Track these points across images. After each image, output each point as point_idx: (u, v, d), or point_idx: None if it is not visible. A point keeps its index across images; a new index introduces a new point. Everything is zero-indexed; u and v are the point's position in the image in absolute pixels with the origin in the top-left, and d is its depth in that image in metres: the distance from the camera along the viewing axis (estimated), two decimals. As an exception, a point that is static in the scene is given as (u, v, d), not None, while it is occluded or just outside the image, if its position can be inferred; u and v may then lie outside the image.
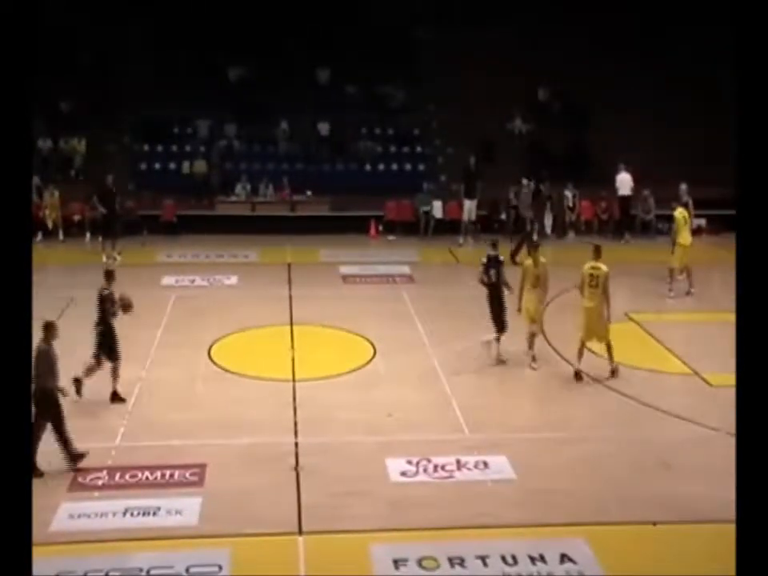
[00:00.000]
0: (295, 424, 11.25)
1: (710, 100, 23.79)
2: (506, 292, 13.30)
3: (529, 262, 13.20)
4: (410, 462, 10.21)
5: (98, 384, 11.67)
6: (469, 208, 21.33)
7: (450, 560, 8.36)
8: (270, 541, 8.67)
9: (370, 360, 13.58)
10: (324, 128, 24.94)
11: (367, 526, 8.92)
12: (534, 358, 13.12)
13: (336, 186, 23.17)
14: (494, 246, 13.56)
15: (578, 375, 12.64)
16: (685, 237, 16.89)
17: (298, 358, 13.52)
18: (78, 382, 11.59)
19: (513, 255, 17.75)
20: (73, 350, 11.32)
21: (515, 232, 20.19)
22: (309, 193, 23.53)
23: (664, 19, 24.84)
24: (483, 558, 8.39)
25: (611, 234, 22.14)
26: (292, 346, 14.07)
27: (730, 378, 12.32)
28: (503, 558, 8.37)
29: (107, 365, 11.76)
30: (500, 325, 13.24)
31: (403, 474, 10.03)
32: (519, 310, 13.11)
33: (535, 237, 18.51)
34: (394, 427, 11.20)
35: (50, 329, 9.90)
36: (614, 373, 12.72)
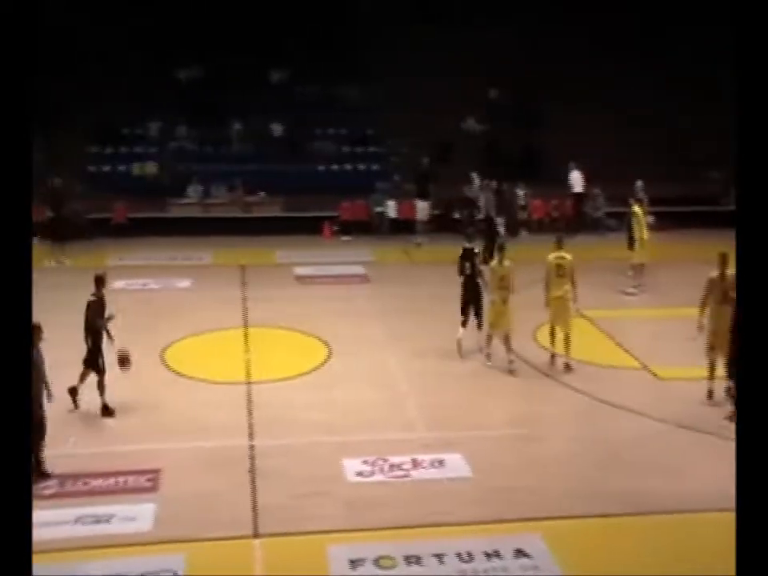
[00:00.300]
0: (250, 426, 11.20)
1: (655, 102, 24.30)
2: (480, 283, 13.65)
3: (494, 262, 13.24)
4: (366, 462, 10.23)
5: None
6: (422, 208, 21.40)
7: (407, 559, 8.39)
8: (226, 545, 8.61)
9: (326, 360, 13.57)
10: (277, 128, 24.85)
11: (324, 527, 8.91)
12: (488, 356, 13.23)
13: (290, 186, 23.09)
14: (469, 238, 14.13)
15: (553, 357, 13.24)
16: (645, 233, 17.12)
17: (253, 360, 13.46)
18: (73, 391, 11.38)
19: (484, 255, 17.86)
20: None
21: (480, 231, 20.12)
22: (262, 194, 23.42)
23: (623, 19, 25.27)
24: (439, 556, 8.44)
25: (563, 232, 22.35)
26: (247, 349, 14.00)
27: (678, 371, 12.77)
28: (459, 556, 8.44)
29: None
30: (478, 313, 13.64)
31: (359, 474, 10.04)
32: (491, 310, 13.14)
33: (501, 237, 18.67)
34: (351, 427, 11.21)
35: (35, 331, 9.47)
36: (567, 366, 12.90)
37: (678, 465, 10.33)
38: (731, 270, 11.52)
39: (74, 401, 11.44)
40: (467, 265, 13.70)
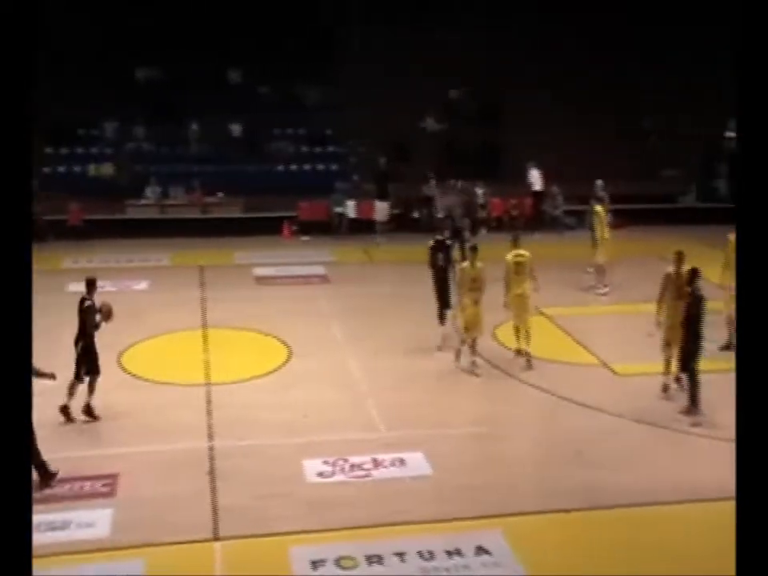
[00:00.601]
0: (210, 428, 11.10)
1: (616, 100, 24.59)
2: (451, 275, 13.84)
3: (465, 264, 13.06)
4: (326, 463, 10.20)
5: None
6: (381, 209, 21.37)
7: (368, 558, 8.38)
8: (186, 549, 8.52)
9: (286, 361, 13.50)
10: (236, 128, 24.68)
11: (285, 528, 8.87)
12: (458, 356, 13.05)
13: (249, 186, 22.94)
14: (442, 231, 14.46)
15: (519, 353, 13.31)
16: (606, 232, 17.23)
17: (212, 361, 13.34)
18: (65, 410, 11.13)
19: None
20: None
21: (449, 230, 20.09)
22: (221, 194, 23.24)
23: (574, 20, 25.50)
24: (401, 555, 8.44)
25: (519, 230, 22.51)
26: (206, 350, 13.88)
27: (636, 367, 12.93)
28: (420, 554, 8.45)
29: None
30: (445, 302, 13.77)
31: (320, 474, 10.01)
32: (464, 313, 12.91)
33: (467, 237, 18.81)
34: (311, 428, 11.16)
35: None
36: (528, 362, 12.97)
37: (635, 459, 10.46)
38: (686, 267, 11.73)
39: (68, 418, 11.19)
40: (440, 256, 13.90)
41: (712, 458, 10.63)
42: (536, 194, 22.92)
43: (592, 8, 25.40)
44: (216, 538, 8.67)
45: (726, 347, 13.03)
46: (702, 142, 24.06)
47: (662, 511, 9.33)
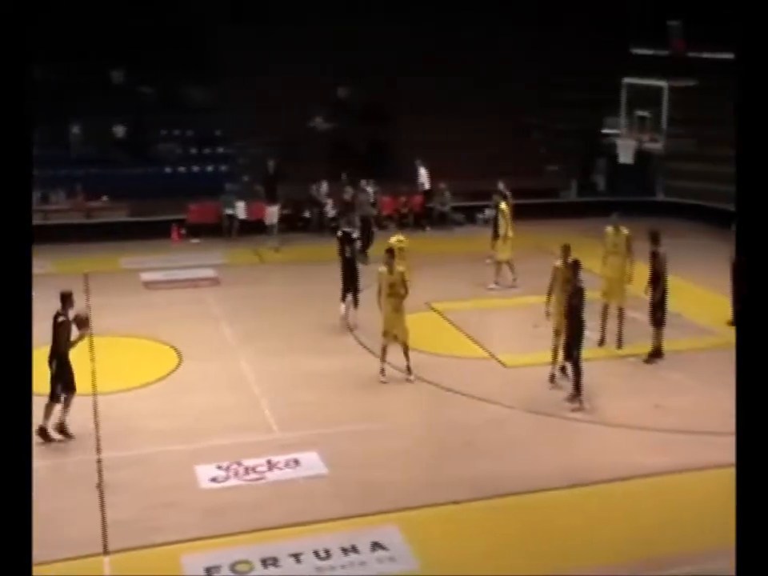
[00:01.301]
0: (98, 439, 10.80)
1: (500, 99, 25.17)
2: (359, 265, 14.92)
3: (383, 269, 12.70)
4: (220, 467, 10.10)
5: None
6: (271, 213, 20.83)
7: (264, 561, 8.36)
8: (75, 565, 8.29)
9: (177, 366, 13.26)
10: (120, 130, 23.97)
11: (178, 537, 8.72)
12: (383, 371, 12.68)
13: (135, 190, 22.32)
14: (349, 223, 15.66)
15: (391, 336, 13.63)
16: (510, 230, 17.50)
17: (99, 370, 12.94)
18: (43, 432, 10.57)
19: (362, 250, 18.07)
20: None
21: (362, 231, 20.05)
22: (105, 198, 22.56)
23: (462, 19, 25.96)
24: (296, 556, 8.45)
25: (411, 227, 22.80)
26: (92, 358, 13.45)
27: (523, 358, 13.29)
28: (316, 553, 8.48)
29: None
30: (348, 287, 14.54)
31: (214, 479, 9.90)
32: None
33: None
34: (204, 433, 11.01)
35: None
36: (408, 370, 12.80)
37: (523, 447, 10.77)
38: (571, 259, 12.15)
39: (47, 438, 10.67)
40: (347, 248, 14.86)
41: (595, 442, 11.07)
42: (425, 192, 23.21)
43: (476, 6, 25.96)
44: (106, 552, 8.45)
45: (599, 343, 13.54)
46: (581, 139, 24.86)
47: (550, 496, 9.63)
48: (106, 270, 18.91)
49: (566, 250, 12.52)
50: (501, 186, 18.35)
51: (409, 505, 9.38)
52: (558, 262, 12.50)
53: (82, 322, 10.83)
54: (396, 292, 12.50)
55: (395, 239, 14.76)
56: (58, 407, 10.81)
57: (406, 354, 12.61)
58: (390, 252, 12.94)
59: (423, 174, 23.01)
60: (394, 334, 12.56)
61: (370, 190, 22.26)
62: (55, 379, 10.73)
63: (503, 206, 17.61)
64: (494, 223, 17.93)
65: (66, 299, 10.85)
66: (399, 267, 12.77)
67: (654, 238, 13.37)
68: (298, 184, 22.07)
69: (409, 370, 12.60)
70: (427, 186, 23.08)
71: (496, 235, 17.65)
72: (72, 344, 10.81)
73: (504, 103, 25.33)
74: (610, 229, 14.33)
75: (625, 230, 14.11)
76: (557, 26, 26.05)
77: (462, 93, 24.67)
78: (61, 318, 10.69)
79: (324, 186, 22.45)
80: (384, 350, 12.65)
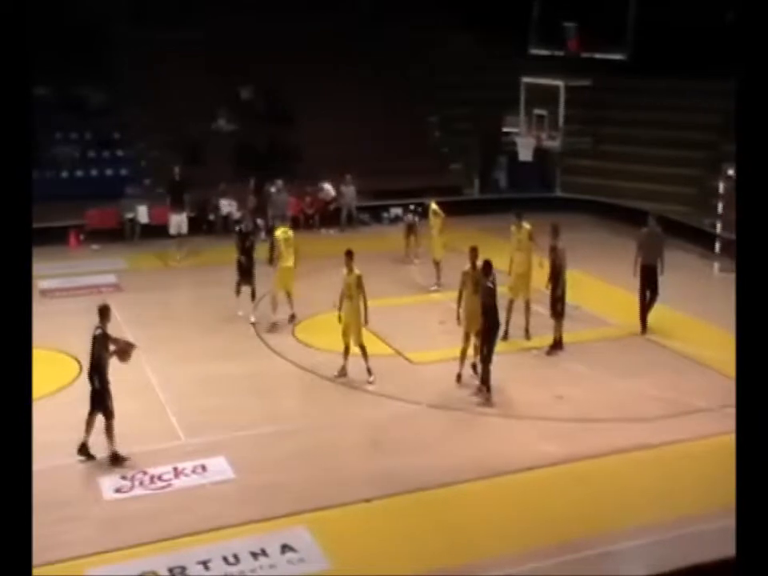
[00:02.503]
0: (-6, 455, 10.39)
1: (402, 99, 25.39)
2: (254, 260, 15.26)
3: (343, 270, 12.67)
4: (124, 478, 9.90)
5: None
6: (177, 223, 19.98)
7: (171, 570, 8.24)
8: (-30, 585, 7.95)
9: (77, 377, 12.83)
10: (12, 133, 23.10)
11: (81, 551, 8.51)
12: (343, 369, 12.69)
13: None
14: (243, 218, 16.66)
15: (291, 318, 14.93)
16: (439, 230, 17.54)
17: (-6, 383, 12.46)
18: (84, 448, 10.21)
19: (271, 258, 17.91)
20: None
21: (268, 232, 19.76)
22: (-2, 204, 21.70)
23: (364, 21, 26.07)
24: (205, 563, 8.37)
25: (317, 227, 22.77)
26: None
27: (429, 355, 13.45)
28: (225, 559, 8.40)
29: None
30: (243, 280, 15.13)
31: (118, 490, 9.70)
32: (340, 320, 12.60)
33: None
34: (106, 444, 10.71)
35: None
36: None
37: (431, 443, 10.90)
38: (480, 262, 12.25)
39: (88, 456, 10.29)
40: (246, 243, 15.28)
41: (501, 434, 11.30)
42: (332, 199, 23.21)
43: (376, 5, 26.12)
44: (4, 571, 8.15)
45: (503, 337, 13.81)
46: (483, 138, 25.29)
47: (459, 489, 9.78)
48: None
49: (474, 252, 12.45)
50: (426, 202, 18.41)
51: (318, 505, 9.38)
52: (466, 267, 12.48)
53: (124, 354, 10.53)
54: (351, 294, 12.47)
55: (280, 231, 15.13)
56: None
57: (363, 355, 12.55)
58: (349, 254, 12.67)
59: (328, 188, 22.99)
60: (346, 336, 12.49)
61: (274, 190, 22.05)
62: (98, 394, 10.33)
63: (434, 206, 17.75)
64: (413, 226, 18.41)
65: (104, 312, 10.56)
66: (356, 270, 12.56)
67: (554, 233, 13.75)
68: (203, 187, 21.70)
69: (369, 371, 12.55)
70: (333, 194, 23.09)
71: (409, 236, 18.09)
72: (108, 360, 10.45)
73: (406, 103, 25.57)
74: (513, 227, 14.76)
75: (527, 226, 14.55)
76: (457, 27, 26.46)
77: (364, 94, 24.78)
78: (98, 332, 10.37)
79: (223, 187, 22.10)
80: (346, 350, 12.58)
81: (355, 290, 12.45)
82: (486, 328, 11.95)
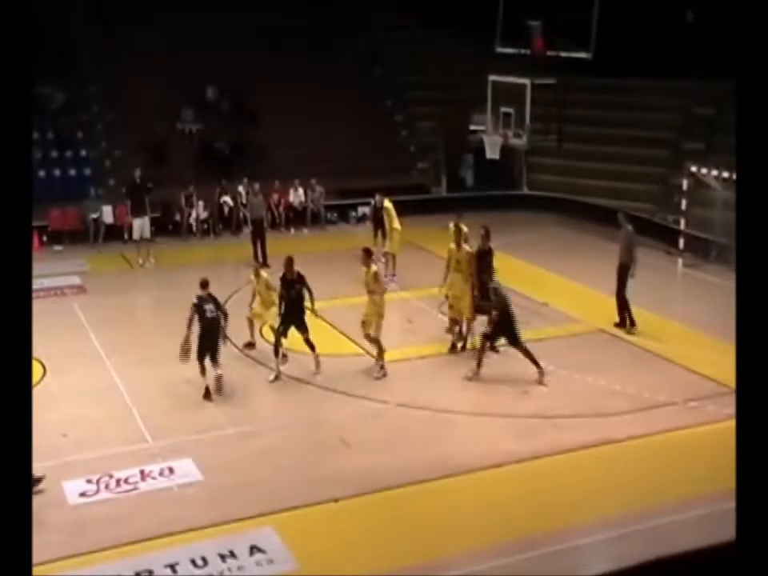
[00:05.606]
0: (-45, 461, 10.24)
1: (369, 99, 25.39)
2: None
3: (363, 268, 12.85)
4: (90, 481, 9.80)
5: None
6: (139, 227, 19.50)
7: (138, 574, 8.16)
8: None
9: (40, 380, 12.68)
10: (-29, 134, 22.77)
11: (44, 557, 8.31)
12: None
13: (-10, 196, 21.26)
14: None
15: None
16: (396, 225, 17.58)
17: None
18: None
19: (256, 257, 17.85)
20: None
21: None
22: (-42, 206, 21.38)
23: (330, 20, 26.03)
24: (172, 566, 8.31)
25: (284, 227, 22.69)
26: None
27: (395, 354, 13.46)
28: (193, 562, 8.36)
29: None
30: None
31: (83, 494, 9.59)
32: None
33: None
34: (72, 447, 10.62)
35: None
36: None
37: (398, 441, 10.93)
38: (465, 245, 12.96)
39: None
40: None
41: (467, 432, 11.37)
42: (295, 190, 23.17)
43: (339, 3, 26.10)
44: (-35, 580, 8.04)
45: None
46: (449, 136, 25.37)
47: (426, 488, 9.81)
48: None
49: (459, 231, 13.40)
50: (377, 196, 18.36)
51: (285, 505, 9.37)
52: (452, 245, 13.30)
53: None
54: (370, 289, 12.73)
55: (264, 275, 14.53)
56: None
57: (378, 351, 12.84)
58: (366, 251, 12.96)
59: (300, 194, 22.93)
60: (365, 326, 12.80)
61: (242, 190, 21.94)
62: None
63: (388, 204, 17.76)
64: (379, 220, 18.14)
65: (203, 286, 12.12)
66: (373, 267, 12.85)
67: (486, 235, 13.64)
68: (167, 187, 21.53)
69: (381, 368, 12.80)
70: (302, 199, 23.04)
71: (383, 232, 17.91)
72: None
73: (373, 102, 25.59)
74: (451, 224, 14.39)
75: (464, 228, 14.12)
76: (422, 26, 26.53)
77: (329, 93, 24.73)
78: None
79: (191, 189, 21.94)
80: (368, 339, 12.90)
81: (373, 286, 12.73)
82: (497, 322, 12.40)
